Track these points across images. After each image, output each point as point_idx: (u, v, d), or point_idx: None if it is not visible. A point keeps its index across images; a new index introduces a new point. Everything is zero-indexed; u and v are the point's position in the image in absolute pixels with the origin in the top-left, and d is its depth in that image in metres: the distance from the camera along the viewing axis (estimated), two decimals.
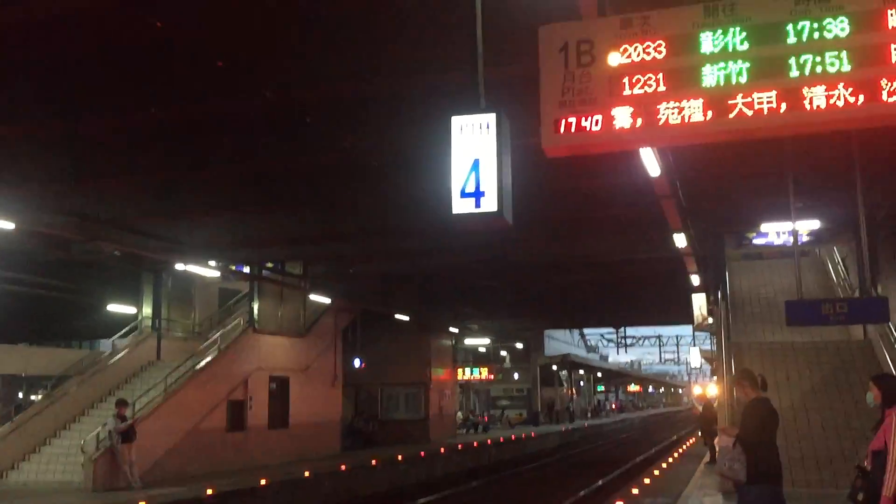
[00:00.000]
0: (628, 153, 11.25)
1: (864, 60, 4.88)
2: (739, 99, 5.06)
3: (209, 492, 16.12)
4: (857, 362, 17.44)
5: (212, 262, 21.50)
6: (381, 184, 15.03)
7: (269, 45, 9.67)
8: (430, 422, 33.34)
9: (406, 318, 29.57)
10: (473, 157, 4.87)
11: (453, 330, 36.92)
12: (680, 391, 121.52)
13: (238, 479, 18.11)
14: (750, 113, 5.03)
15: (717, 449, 17.78)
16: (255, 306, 23.60)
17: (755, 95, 5.03)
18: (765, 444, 6.90)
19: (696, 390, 63.79)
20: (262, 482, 17.85)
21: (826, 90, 4.95)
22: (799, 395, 16.36)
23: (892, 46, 4.91)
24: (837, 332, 19.35)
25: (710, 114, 5.06)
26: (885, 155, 14.57)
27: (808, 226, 19.87)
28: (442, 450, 28.07)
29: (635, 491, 16.09)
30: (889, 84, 4.92)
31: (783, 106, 4.98)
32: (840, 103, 4.94)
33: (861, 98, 4.90)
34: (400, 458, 24.35)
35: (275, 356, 24.14)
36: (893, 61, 4.89)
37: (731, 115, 5.05)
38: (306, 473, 19.64)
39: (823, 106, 4.96)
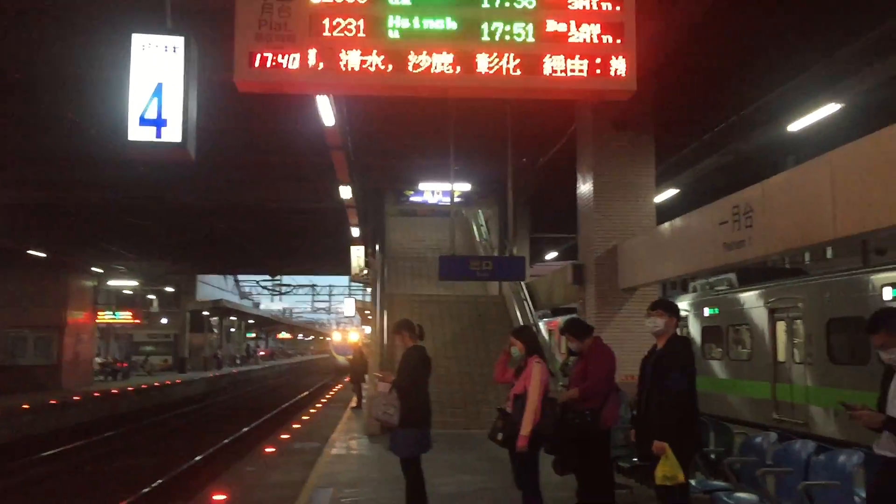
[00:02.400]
0: (305, 100, 11.14)
1: (541, 35, 5.28)
2: (423, 56, 5.19)
3: None
4: (493, 315, 19.30)
5: None
6: (28, 101, 13.24)
7: None
8: (64, 368, 30.74)
9: (42, 255, 26.67)
10: (157, 82, 4.44)
11: (97, 270, 34.13)
12: (328, 339, 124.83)
13: None
14: (429, 71, 5.19)
15: (363, 394, 18.65)
16: None
17: (434, 56, 5.19)
18: (418, 390, 7.32)
19: (336, 337, 61.34)
20: None
21: (495, 58, 5.26)
22: (442, 343, 17.68)
23: (549, 22, 5.33)
24: (477, 287, 21.24)
25: (389, 67, 5.12)
26: (531, 130, 16.18)
27: (460, 188, 21.42)
28: (76, 398, 26.00)
29: (285, 436, 16.28)
30: (551, 60, 5.36)
31: (458, 68, 5.20)
32: (504, 73, 5.28)
33: (520, 71, 5.28)
34: (26, 406, 22.09)
35: None
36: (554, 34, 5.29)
37: (414, 71, 5.17)
38: None
39: (491, 72, 5.25)
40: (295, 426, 18.42)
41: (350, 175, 16.91)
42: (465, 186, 21.87)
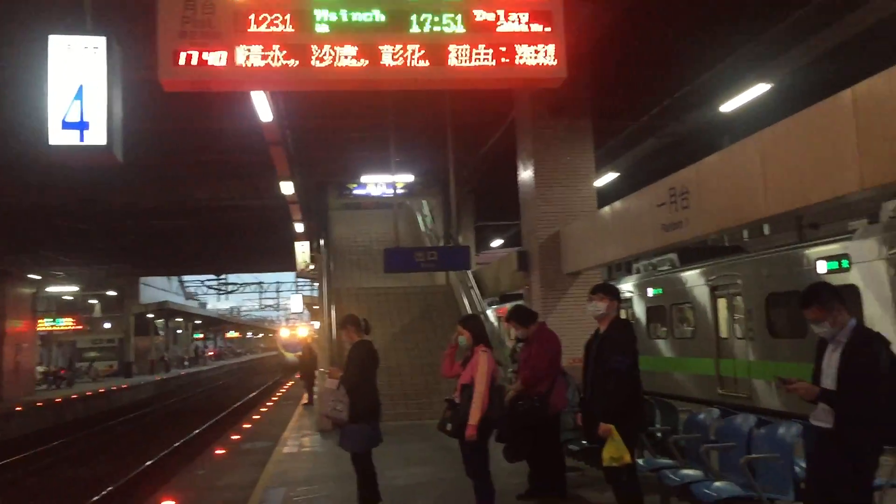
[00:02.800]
0: (241, 96, 10.98)
1: (470, 25, 5.28)
2: (352, 50, 5.15)
3: None
4: (440, 305, 19.33)
5: None
6: None
7: None
8: (4, 378, 29.87)
9: None
10: (78, 84, 4.30)
11: (34, 277, 33.20)
12: (275, 336, 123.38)
13: None
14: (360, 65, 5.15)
15: (315, 391, 18.50)
16: None
17: (363, 50, 5.16)
18: (366, 384, 7.29)
19: (284, 333, 57.12)
20: None
21: (401, 50, 5.23)
22: (391, 335, 17.66)
23: (477, 12, 5.32)
24: (424, 278, 21.24)
25: (319, 62, 5.06)
26: (471, 117, 16.20)
27: (403, 179, 21.36)
28: (18, 408, 25.30)
29: (236, 437, 16.08)
30: (457, 49, 5.35)
31: (363, 61, 5.17)
32: (431, 64, 5.27)
33: (427, 62, 5.27)
34: None
35: None
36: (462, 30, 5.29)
37: (344, 64, 5.11)
38: None
39: (420, 64, 5.24)
40: (245, 426, 18.21)
41: (291, 170, 16.73)
42: (408, 178, 21.83)
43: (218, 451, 13.91)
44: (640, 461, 6.79)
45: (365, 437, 7.25)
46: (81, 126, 4.27)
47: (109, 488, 13.92)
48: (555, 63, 5.49)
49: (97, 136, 4.30)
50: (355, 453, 7.29)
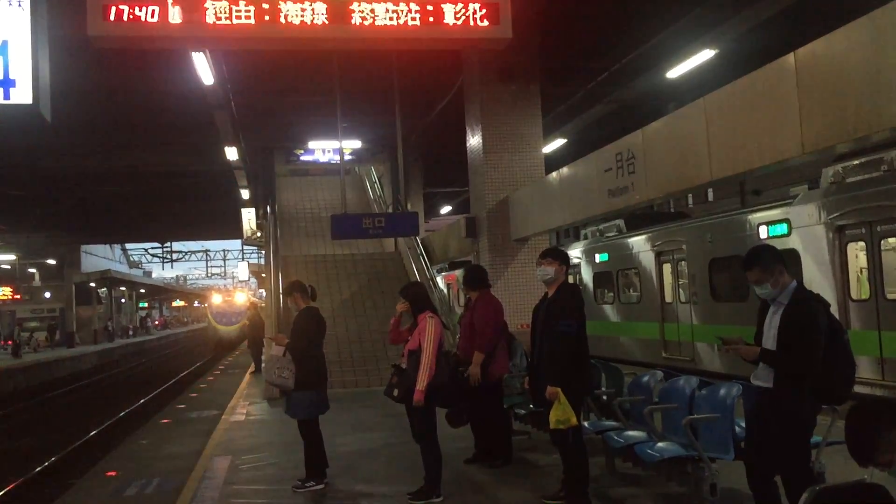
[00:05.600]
0: (184, 58, 10.67)
1: None
2: (294, 6, 5.01)
3: None
4: (389, 272, 19.25)
5: None
6: None
7: None
8: None
9: None
10: (1, 39, 4.06)
11: None
12: (205, 305, 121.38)
13: None
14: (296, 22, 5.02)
15: (263, 359, 18.35)
16: None
17: (308, 6, 5.02)
18: (313, 351, 7.22)
19: (216, 299, 47.63)
20: None
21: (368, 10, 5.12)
22: (339, 302, 17.55)
23: None
24: (372, 244, 21.13)
25: (261, 18, 4.92)
26: (419, 82, 16.03)
27: (351, 145, 21.12)
28: None
29: (181, 406, 15.89)
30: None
31: (332, 19, 5.04)
32: (373, 24, 5.15)
33: (420, 18, 5.16)
34: None
35: None
36: None
37: (285, 22, 4.97)
38: None
39: (365, 24, 5.13)
40: (192, 395, 18.00)
41: (235, 135, 16.41)
42: (356, 144, 21.60)
43: (163, 421, 13.72)
44: (586, 423, 6.87)
45: (311, 404, 7.21)
46: (6, 84, 4.05)
47: (52, 459, 13.66)
48: (499, 23, 5.41)
49: (23, 94, 4.08)
50: (302, 420, 7.24)
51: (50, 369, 32.42)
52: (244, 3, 4.79)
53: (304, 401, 7.16)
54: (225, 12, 4.67)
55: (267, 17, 4.97)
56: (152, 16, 4.56)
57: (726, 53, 14.53)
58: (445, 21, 5.27)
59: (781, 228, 11.42)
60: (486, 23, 5.31)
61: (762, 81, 7.07)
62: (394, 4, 5.17)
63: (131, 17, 4.52)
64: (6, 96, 4.07)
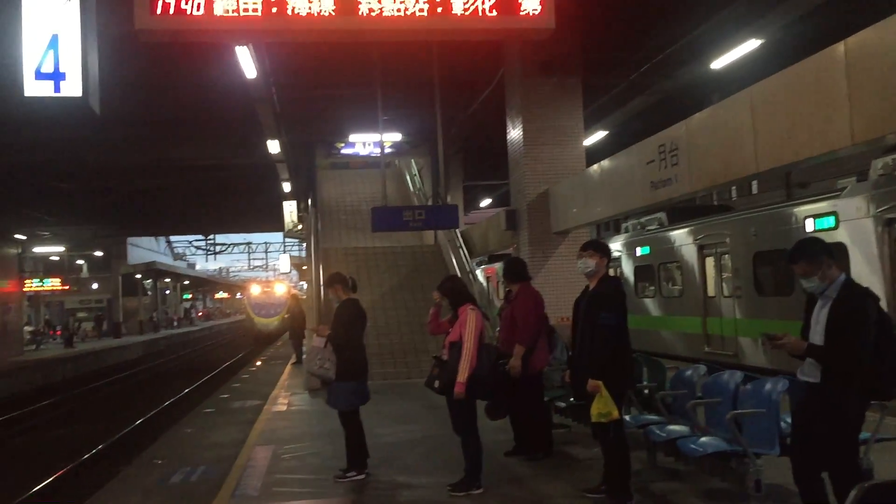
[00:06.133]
0: (226, 51, 10.78)
1: None
2: None
3: None
4: (429, 265, 19.28)
5: None
6: None
7: None
8: None
9: None
10: (52, 33, 4.14)
11: (19, 237, 32.96)
12: (243, 297, 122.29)
13: None
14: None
15: (304, 349, 18.51)
16: None
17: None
18: (354, 342, 7.27)
19: (255, 290, 45.29)
20: None
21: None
22: (379, 295, 17.64)
23: None
24: (412, 237, 21.18)
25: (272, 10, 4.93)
26: (459, 75, 16.00)
27: (391, 138, 21.17)
28: (6, 369, 25.29)
29: (224, 396, 16.11)
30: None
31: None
32: (412, 14, 5.14)
33: (428, 8, 5.15)
34: None
35: None
36: None
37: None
38: None
39: (401, 14, 5.11)
40: (235, 385, 18.25)
41: (277, 128, 16.55)
42: (396, 136, 21.63)
43: (207, 410, 13.93)
44: (628, 417, 6.82)
45: (353, 394, 7.26)
46: (57, 77, 4.12)
47: (101, 446, 13.98)
48: (540, 13, 5.36)
49: (73, 87, 4.15)
50: (343, 411, 7.30)
51: (98, 359, 33.14)
52: None
53: (345, 391, 7.21)
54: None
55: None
56: (198, 9, 4.61)
57: (773, 43, 14.25)
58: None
59: (829, 222, 11.19)
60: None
61: (811, 71, 6.92)
62: None
63: (177, 10, 4.58)
64: (56, 89, 4.14)
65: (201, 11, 4.59)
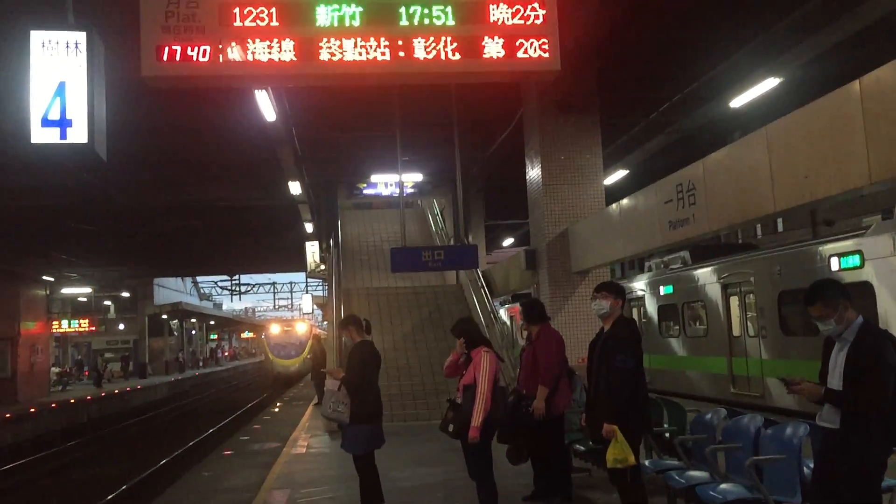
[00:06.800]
0: (247, 95, 10.92)
1: (467, 17, 5.16)
2: (336, 44, 5.07)
3: None
4: (451, 305, 19.20)
5: None
6: None
7: None
8: (19, 380, 30.02)
9: None
10: (59, 80, 4.20)
11: (48, 279, 33.38)
12: (262, 336, 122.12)
13: None
14: (358, 58, 5.08)
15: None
16: None
17: (369, 42, 5.08)
18: (367, 385, 7.19)
19: (274, 329, 43.55)
20: None
21: (432, 43, 5.16)
22: (400, 336, 17.56)
23: (491, 6, 5.26)
24: (434, 277, 21.15)
25: (302, 57, 4.99)
26: (479, 115, 16.09)
27: (412, 178, 21.26)
28: (32, 409, 25.43)
29: (244, 438, 16.06)
30: (491, 41, 5.26)
31: (389, 54, 5.09)
32: (443, 57, 5.18)
33: (458, 54, 5.19)
34: None
35: None
36: (492, 20, 5.24)
37: (333, 58, 5.03)
38: None
39: (429, 58, 5.16)
40: (255, 427, 18.19)
41: (298, 170, 16.69)
42: (417, 177, 21.73)
43: (226, 452, 13.87)
44: (646, 462, 6.66)
45: (366, 438, 7.16)
46: (63, 124, 4.18)
47: (122, 487, 13.95)
48: (548, 56, 5.37)
49: (79, 134, 4.20)
50: (357, 455, 7.20)
51: (124, 400, 33.23)
52: (287, 42, 4.86)
53: (358, 435, 7.12)
54: (268, 51, 4.75)
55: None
56: (204, 55, 4.66)
57: (792, 81, 14.19)
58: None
59: (854, 260, 11.00)
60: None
61: (826, 109, 6.85)
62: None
63: (183, 56, 4.64)
64: (63, 136, 4.19)
65: (207, 58, 4.65)
